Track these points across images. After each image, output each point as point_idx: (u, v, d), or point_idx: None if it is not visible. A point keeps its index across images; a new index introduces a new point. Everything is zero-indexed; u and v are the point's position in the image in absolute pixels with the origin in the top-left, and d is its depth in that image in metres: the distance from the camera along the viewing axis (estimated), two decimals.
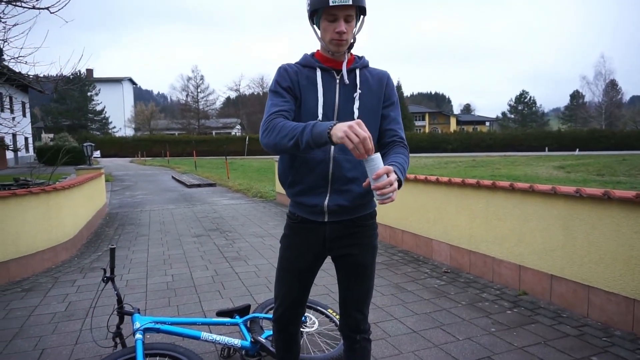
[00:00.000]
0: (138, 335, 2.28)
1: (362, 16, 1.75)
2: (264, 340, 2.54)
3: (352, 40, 1.74)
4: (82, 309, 3.68)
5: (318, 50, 1.81)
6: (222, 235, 6.66)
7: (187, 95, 61.65)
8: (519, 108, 74.46)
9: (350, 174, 1.73)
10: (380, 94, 1.80)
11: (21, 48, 6.24)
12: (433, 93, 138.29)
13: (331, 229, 1.80)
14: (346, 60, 1.76)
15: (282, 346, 2.04)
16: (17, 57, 6.26)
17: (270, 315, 2.67)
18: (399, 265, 4.77)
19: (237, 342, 2.56)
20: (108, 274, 2.44)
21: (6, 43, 6.35)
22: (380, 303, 3.65)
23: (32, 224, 4.80)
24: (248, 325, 2.68)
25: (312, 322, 2.95)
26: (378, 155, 1.46)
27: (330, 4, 1.61)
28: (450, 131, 61.62)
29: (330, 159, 1.72)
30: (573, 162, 23.44)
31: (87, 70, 56.80)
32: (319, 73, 1.75)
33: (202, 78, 62.09)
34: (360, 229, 1.83)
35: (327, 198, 1.75)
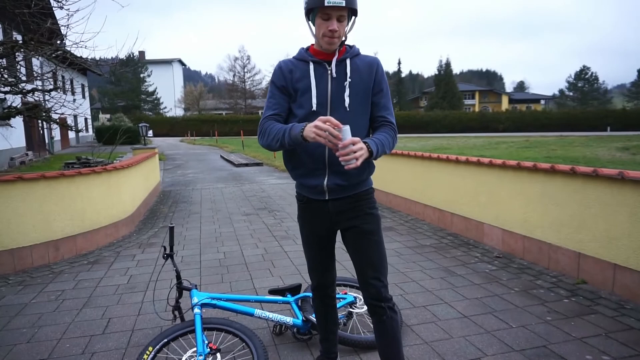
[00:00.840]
0: (197, 310, 2.39)
1: (353, 17, 1.90)
2: (315, 319, 2.59)
3: (343, 38, 1.90)
4: (142, 282, 3.91)
5: (312, 45, 1.98)
6: (270, 215, 6.81)
7: (234, 76, 62.71)
8: (579, 85, 69.90)
9: None
10: (370, 80, 1.94)
11: (82, 33, 6.56)
12: (484, 70, 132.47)
13: (333, 205, 1.99)
14: (337, 55, 1.91)
15: (321, 312, 2.29)
16: (78, 43, 6.58)
17: None
18: (449, 249, 4.69)
19: (289, 320, 2.63)
20: (168, 251, 2.57)
21: (68, 29, 6.68)
22: (429, 286, 3.62)
23: (96, 201, 5.11)
24: (299, 304, 2.74)
25: (361, 304, 2.98)
26: (347, 127, 1.69)
27: (326, 4, 1.76)
28: (501, 110, 58.97)
29: (325, 147, 1.87)
30: (639, 142, 21.84)
31: (139, 52, 59.03)
32: (311, 66, 1.92)
33: (248, 58, 63.04)
34: (360, 202, 2.00)
35: (326, 179, 1.94)
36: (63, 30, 7.04)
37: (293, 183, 10.54)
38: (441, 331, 2.84)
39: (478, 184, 4.88)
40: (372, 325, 2.81)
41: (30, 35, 6.75)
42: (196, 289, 2.60)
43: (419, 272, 3.97)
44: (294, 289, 2.82)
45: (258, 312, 2.61)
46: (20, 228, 4.27)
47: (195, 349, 2.23)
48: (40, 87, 7.56)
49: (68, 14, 5.86)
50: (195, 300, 2.48)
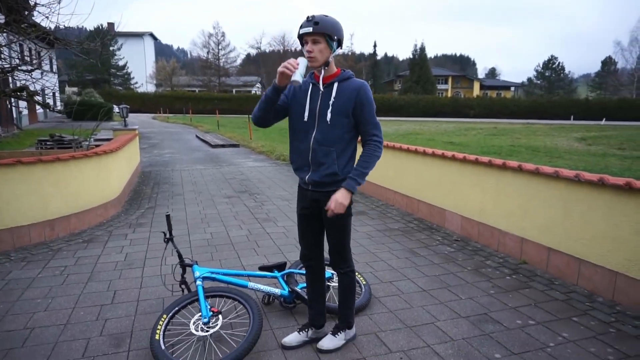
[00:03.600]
0: (198, 282, 2.84)
1: (334, 42, 2.36)
2: (299, 290, 3.09)
3: (326, 59, 2.38)
4: (138, 259, 4.30)
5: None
6: (251, 198, 7.23)
7: (208, 52, 61.52)
8: (547, 74, 72.16)
9: (321, 160, 2.47)
10: (351, 102, 2.42)
11: (72, 14, 6.67)
12: (458, 55, 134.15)
13: (312, 195, 2.58)
14: (322, 76, 2.45)
15: (307, 281, 2.82)
16: (52, 19, 6.64)
17: (302, 271, 3.25)
18: (414, 232, 5.26)
19: (277, 291, 3.12)
20: (168, 236, 2.99)
21: (51, 11, 6.75)
22: (395, 265, 4.17)
23: (88, 183, 5.41)
24: (285, 278, 3.22)
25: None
26: (301, 59, 2.30)
27: (300, 33, 2.34)
28: (473, 96, 60.41)
29: (310, 149, 2.48)
30: (596, 133, 23.19)
31: (108, 24, 56.79)
32: (310, 87, 2.51)
33: (223, 35, 61.66)
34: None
35: (309, 174, 2.53)
36: (44, 11, 7.08)
37: (270, 166, 11.05)
38: (403, 302, 3.39)
39: (442, 174, 5.44)
40: None
41: (13, 16, 6.79)
42: (197, 264, 3.04)
43: (387, 253, 4.52)
44: (280, 266, 3.30)
45: (251, 284, 3.08)
46: (19, 208, 4.55)
47: (200, 314, 2.69)
48: (22, 67, 7.60)
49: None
50: (197, 274, 2.93)
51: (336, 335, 2.73)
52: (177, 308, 2.71)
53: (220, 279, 3.03)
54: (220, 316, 2.72)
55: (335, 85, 2.45)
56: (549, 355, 2.65)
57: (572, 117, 43.85)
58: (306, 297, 2.97)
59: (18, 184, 4.52)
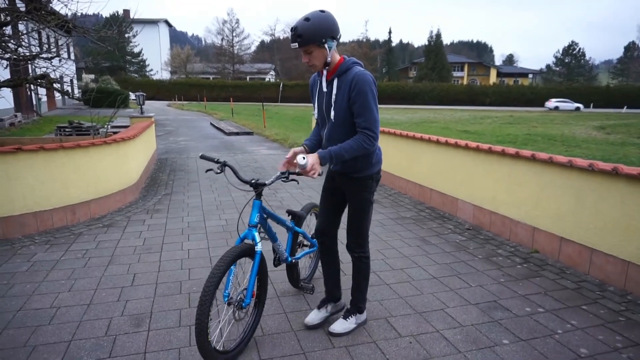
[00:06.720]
0: (259, 248, 2.63)
1: (328, 42, 2.33)
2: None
3: (326, 61, 2.40)
4: (156, 244, 4.44)
5: None
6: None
7: (222, 39, 61.61)
8: (566, 60, 70.46)
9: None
10: (348, 95, 2.42)
11: (90, 2, 6.77)
12: (474, 42, 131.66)
13: (334, 172, 2.70)
14: (325, 75, 2.51)
15: (322, 253, 2.92)
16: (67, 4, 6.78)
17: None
18: (426, 221, 5.30)
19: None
20: (221, 161, 2.68)
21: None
22: (406, 253, 4.23)
23: (107, 170, 5.56)
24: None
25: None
26: (299, 157, 2.32)
27: (292, 47, 2.36)
28: (489, 83, 59.41)
29: (324, 143, 2.62)
30: (616, 122, 22.71)
31: (124, 10, 57.07)
32: (318, 84, 2.60)
33: (237, 22, 61.69)
34: (355, 183, 2.63)
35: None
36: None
37: (284, 154, 11.04)
38: (414, 289, 3.45)
39: (455, 163, 5.45)
40: None
41: (33, 4, 6.92)
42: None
43: (398, 241, 4.57)
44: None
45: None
46: (42, 193, 4.71)
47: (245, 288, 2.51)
48: (43, 55, 7.75)
49: None
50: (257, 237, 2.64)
51: (347, 319, 2.82)
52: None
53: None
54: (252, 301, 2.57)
55: (335, 81, 2.46)
56: (556, 342, 2.69)
57: (591, 104, 42.94)
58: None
59: (41, 170, 4.67)
